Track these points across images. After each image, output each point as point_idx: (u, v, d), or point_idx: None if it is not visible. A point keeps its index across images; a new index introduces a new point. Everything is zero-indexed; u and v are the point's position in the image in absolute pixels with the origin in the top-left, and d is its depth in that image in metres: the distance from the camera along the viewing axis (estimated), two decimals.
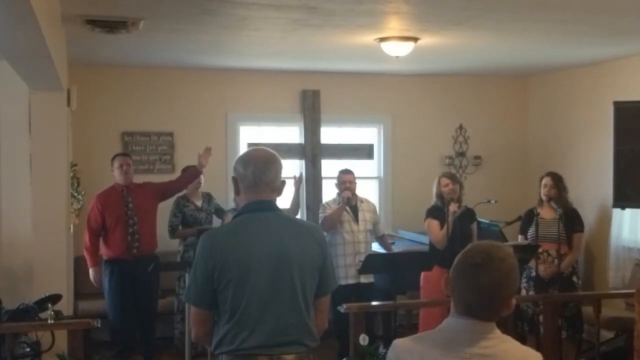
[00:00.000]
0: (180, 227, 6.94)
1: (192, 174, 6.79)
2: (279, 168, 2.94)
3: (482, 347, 2.04)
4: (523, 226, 6.52)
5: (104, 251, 6.47)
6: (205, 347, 3.38)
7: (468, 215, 6.31)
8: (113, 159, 6.62)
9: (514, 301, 2.10)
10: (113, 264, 6.40)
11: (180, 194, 6.94)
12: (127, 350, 6.56)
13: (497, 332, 2.09)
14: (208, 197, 7.15)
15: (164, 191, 6.68)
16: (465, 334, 2.05)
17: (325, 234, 6.36)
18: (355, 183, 6.47)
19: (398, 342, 2.15)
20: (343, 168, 6.59)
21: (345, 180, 6.37)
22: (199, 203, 7.04)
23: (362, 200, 6.51)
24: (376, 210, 6.65)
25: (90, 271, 6.46)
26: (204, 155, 6.67)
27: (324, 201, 6.85)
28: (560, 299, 5.83)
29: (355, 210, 6.39)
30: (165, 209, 6.86)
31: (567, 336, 6.14)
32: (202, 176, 6.91)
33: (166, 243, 6.94)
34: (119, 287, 6.38)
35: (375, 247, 6.81)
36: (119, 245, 6.36)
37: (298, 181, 6.79)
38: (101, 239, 6.44)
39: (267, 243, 2.84)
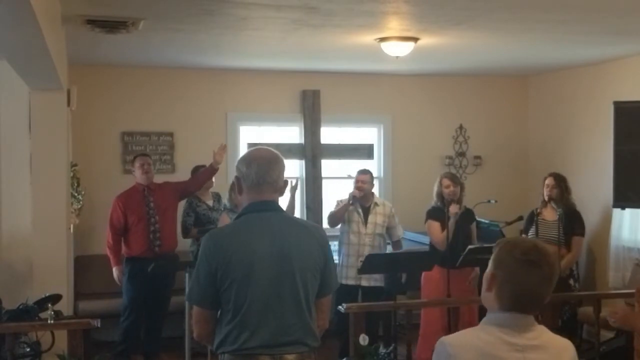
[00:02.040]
0: (193, 227, 6.96)
1: (208, 171, 6.85)
2: (282, 168, 2.94)
3: (530, 339, 2.14)
4: (525, 227, 6.50)
5: (124, 250, 6.55)
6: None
7: (467, 215, 6.31)
8: (134, 159, 6.74)
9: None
10: (134, 262, 6.47)
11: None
12: (131, 348, 6.60)
13: (536, 323, 2.19)
14: (218, 197, 7.22)
15: (182, 190, 6.78)
16: (515, 327, 2.14)
17: (337, 231, 6.42)
18: (372, 184, 6.45)
19: (449, 339, 2.18)
20: (361, 168, 6.56)
21: (358, 180, 6.37)
22: (210, 202, 7.12)
23: (377, 203, 6.43)
24: (393, 215, 6.48)
25: (114, 270, 6.54)
26: (219, 152, 6.76)
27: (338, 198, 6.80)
28: (560, 299, 5.82)
29: (366, 212, 6.36)
30: (178, 209, 6.90)
31: None
32: (213, 177, 7.00)
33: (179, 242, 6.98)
34: (140, 285, 6.46)
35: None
36: (140, 244, 6.45)
37: (294, 188, 6.80)
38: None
39: (270, 243, 2.84)
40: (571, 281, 6.43)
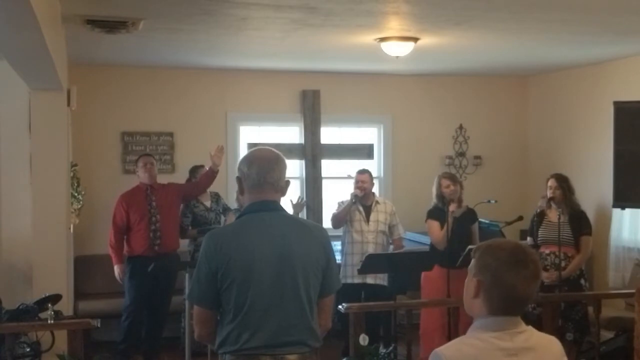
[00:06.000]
0: (190, 228, 6.97)
1: (209, 176, 6.83)
2: (283, 168, 2.93)
3: (523, 341, 2.13)
4: (532, 228, 6.43)
5: (126, 249, 6.58)
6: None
7: (469, 215, 6.30)
8: (137, 159, 6.75)
9: None
10: (135, 261, 6.49)
11: None
12: (132, 348, 6.61)
13: (524, 324, 2.18)
14: (216, 197, 7.20)
15: (185, 192, 6.81)
16: (506, 331, 2.12)
17: (340, 231, 6.44)
18: (372, 183, 6.52)
19: (443, 350, 2.12)
20: (360, 168, 6.62)
21: (358, 180, 6.43)
22: (207, 203, 7.11)
23: (378, 202, 6.52)
24: (394, 213, 6.55)
25: (115, 268, 6.57)
26: (216, 154, 6.72)
27: (340, 200, 6.82)
28: (560, 299, 5.82)
29: (368, 210, 6.41)
30: None
31: (573, 339, 6.08)
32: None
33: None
34: (140, 284, 6.48)
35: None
36: (141, 243, 6.47)
37: (299, 206, 6.75)
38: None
39: (271, 243, 2.84)
40: (582, 281, 6.39)
